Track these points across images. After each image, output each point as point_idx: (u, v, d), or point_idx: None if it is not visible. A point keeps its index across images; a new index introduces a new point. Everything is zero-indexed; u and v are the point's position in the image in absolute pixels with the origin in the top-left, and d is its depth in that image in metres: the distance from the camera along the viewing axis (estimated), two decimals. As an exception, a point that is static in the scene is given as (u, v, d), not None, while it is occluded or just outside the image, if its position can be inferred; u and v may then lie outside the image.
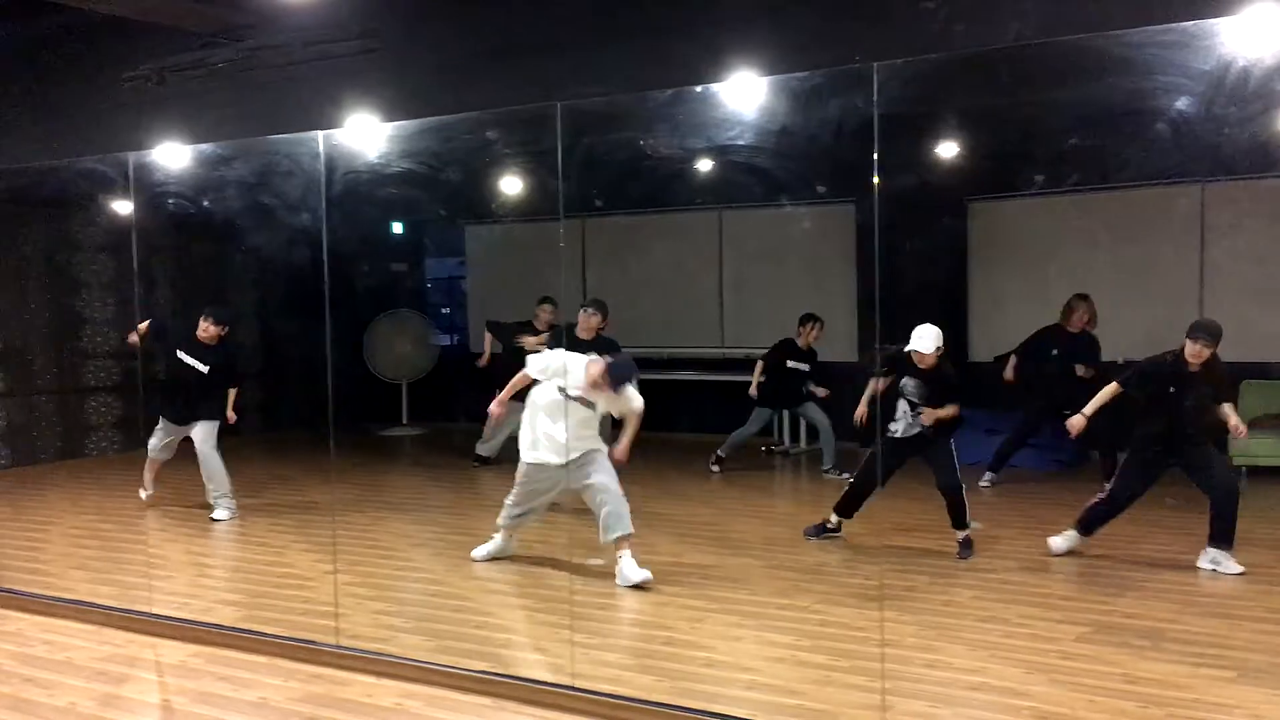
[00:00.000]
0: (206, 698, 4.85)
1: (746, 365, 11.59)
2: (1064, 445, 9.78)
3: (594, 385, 6.23)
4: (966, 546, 6.79)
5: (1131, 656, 4.96)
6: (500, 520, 6.81)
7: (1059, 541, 6.72)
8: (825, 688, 4.74)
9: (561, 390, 6.31)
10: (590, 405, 6.34)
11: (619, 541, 6.30)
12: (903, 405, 6.87)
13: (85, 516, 8.69)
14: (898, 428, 6.89)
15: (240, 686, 4.96)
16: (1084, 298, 8.79)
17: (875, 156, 3.95)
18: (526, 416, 6.54)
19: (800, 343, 9.83)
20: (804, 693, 4.70)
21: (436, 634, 5.55)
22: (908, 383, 6.83)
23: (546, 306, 9.87)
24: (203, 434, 8.20)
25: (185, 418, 8.27)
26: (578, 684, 4.72)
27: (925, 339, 6.66)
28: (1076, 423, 6.48)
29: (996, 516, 7.48)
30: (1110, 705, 4.42)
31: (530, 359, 6.60)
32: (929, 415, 6.73)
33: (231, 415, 8.40)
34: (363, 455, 11.44)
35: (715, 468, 9.97)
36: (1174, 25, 3.60)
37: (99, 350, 11.64)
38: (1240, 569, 6.24)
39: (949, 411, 6.74)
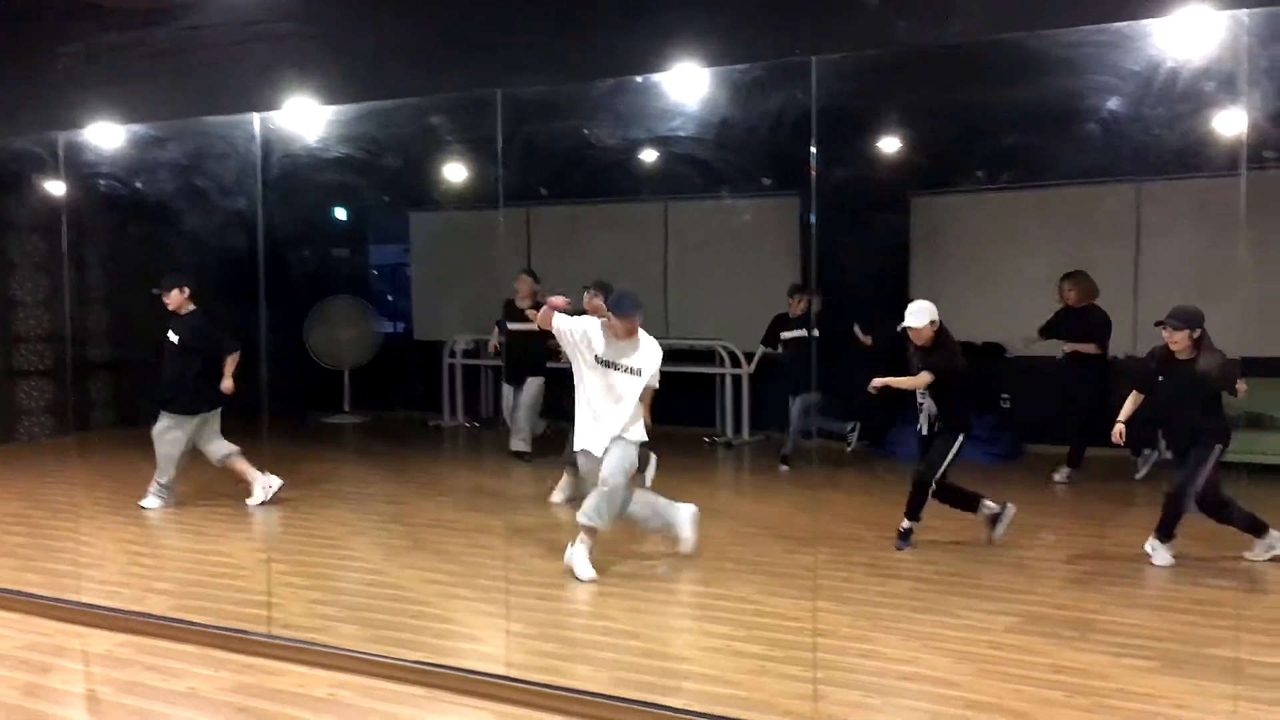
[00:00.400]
0: (133, 687, 4.77)
1: (691, 356, 11.64)
2: (999, 438, 9.97)
3: (626, 332, 6.18)
4: (905, 538, 6.85)
5: (1060, 647, 5.04)
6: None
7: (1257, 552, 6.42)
8: (760, 678, 4.76)
9: (599, 360, 6.22)
10: (634, 371, 6.24)
11: (586, 529, 6.23)
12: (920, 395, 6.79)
13: (15, 503, 8.51)
14: (921, 422, 6.82)
15: (169, 676, 4.88)
16: (1068, 275, 8.91)
17: (813, 149, 3.97)
18: (578, 398, 6.37)
19: (792, 313, 9.73)
20: (738, 683, 4.72)
21: (372, 624, 5.51)
22: (913, 361, 6.77)
23: (526, 279, 9.87)
24: (162, 424, 8.11)
25: (161, 399, 8.14)
26: (511, 673, 4.71)
27: (916, 314, 6.61)
28: (1117, 431, 6.49)
29: (934, 509, 7.53)
30: (1036, 695, 4.49)
31: (558, 318, 6.32)
32: (878, 382, 6.65)
33: (227, 384, 8.02)
34: (304, 443, 11.32)
35: (783, 467, 9.71)
36: (1107, 25, 3.66)
37: (31, 334, 11.40)
38: (1168, 562, 6.35)
39: (914, 381, 6.64)
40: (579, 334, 6.28)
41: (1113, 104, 6.42)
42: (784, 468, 9.58)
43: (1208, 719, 4.26)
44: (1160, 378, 6.36)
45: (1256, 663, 4.80)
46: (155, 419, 8.23)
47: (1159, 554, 6.40)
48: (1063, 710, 4.35)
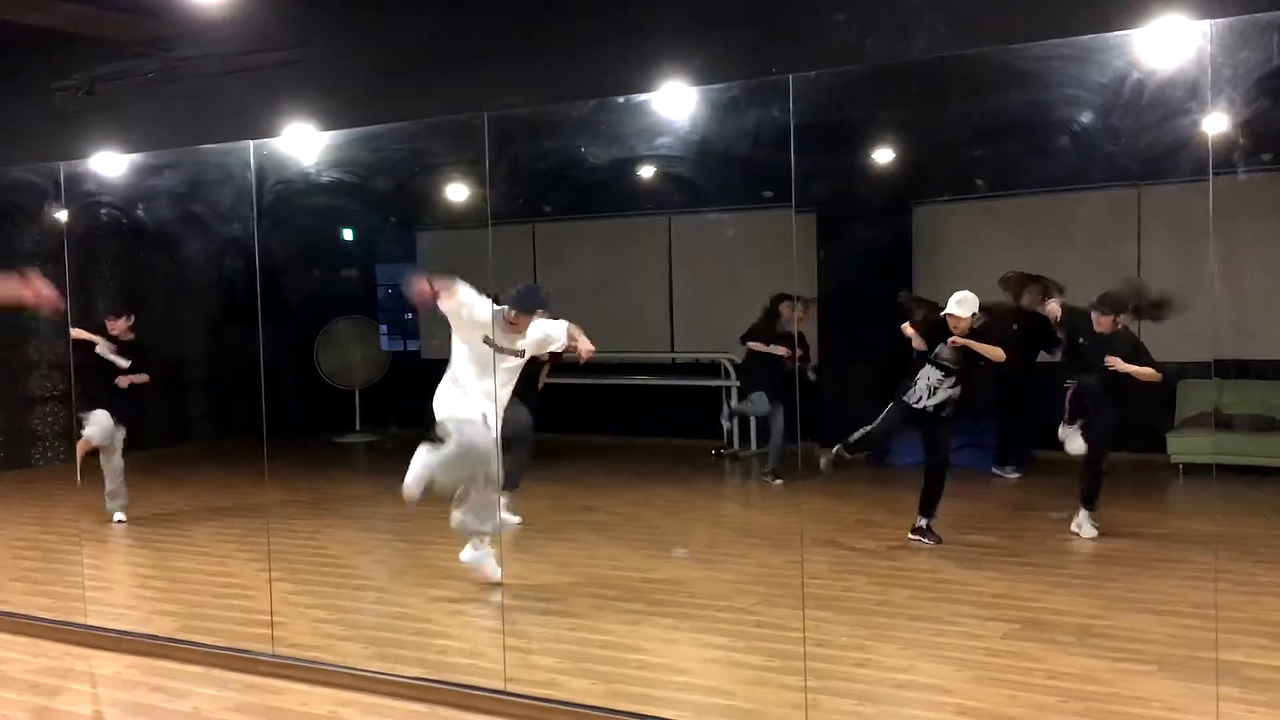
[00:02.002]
0: (139, 709, 4.84)
1: (696, 370, 11.71)
2: (1008, 446, 9.94)
3: (511, 324, 6.05)
4: (926, 533, 7.04)
5: (1055, 652, 5.06)
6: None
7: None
8: (756, 688, 4.81)
9: (488, 341, 6.07)
10: (519, 354, 6.14)
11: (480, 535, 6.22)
12: (928, 374, 7.01)
13: (29, 528, 8.62)
14: (916, 396, 7.04)
15: (174, 697, 4.95)
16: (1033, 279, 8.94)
17: (792, 163, 4.03)
18: (452, 369, 6.21)
19: (784, 323, 9.53)
20: (735, 693, 4.76)
21: (375, 641, 5.57)
22: (942, 349, 6.99)
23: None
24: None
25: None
26: (509, 688, 4.76)
27: (964, 303, 6.85)
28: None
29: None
30: (1030, 700, 4.52)
31: (464, 290, 6.13)
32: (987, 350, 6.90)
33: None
34: (315, 462, 11.41)
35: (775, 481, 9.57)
36: (1073, 39, 3.70)
37: (45, 360, 11.54)
38: (1094, 534, 6.97)
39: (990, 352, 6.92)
40: (475, 312, 6.08)
41: (1108, 113, 6.47)
42: (778, 481, 9.55)
43: (1199, 721, 4.28)
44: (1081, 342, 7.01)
45: (1251, 664, 4.81)
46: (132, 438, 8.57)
47: (1087, 527, 6.97)
48: (1056, 715, 4.38)
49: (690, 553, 6.59)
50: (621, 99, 5.44)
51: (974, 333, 6.92)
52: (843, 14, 4.41)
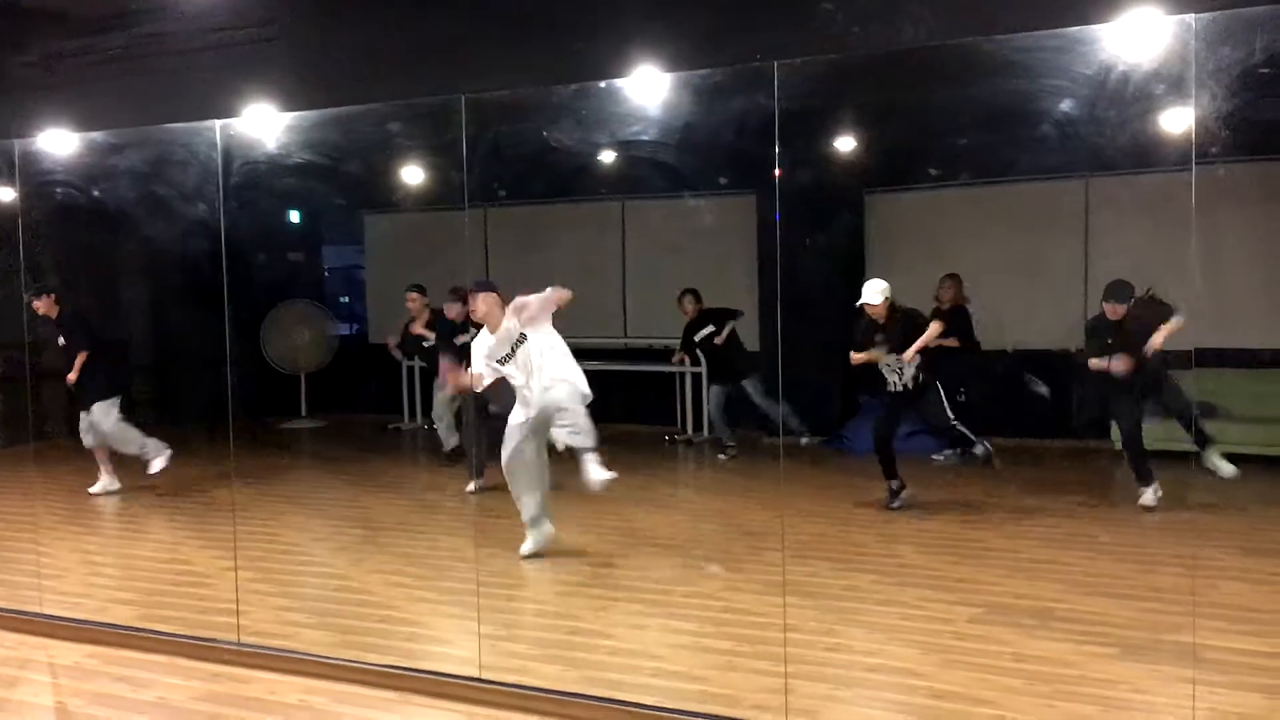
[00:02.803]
0: (103, 699, 4.75)
1: (649, 355, 11.70)
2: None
3: (487, 316, 6.32)
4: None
5: (1021, 636, 5.15)
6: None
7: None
8: (729, 673, 4.83)
9: (500, 362, 6.37)
10: (522, 340, 6.36)
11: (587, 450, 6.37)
12: (885, 367, 7.50)
13: (-31, 515, 8.40)
14: (890, 384, 7.54)
15: (138, 687, 4.86)
16: (948, 276, 9.28)
17: (776, 151, 4.03)
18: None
19: (687, 317, 10.27)
20: (708, 678, 4.78)
21: (341, 629, 5.51)
22: (878, 340, 7.43)
23: (416, 295, 9.92)
24: (98, 416, 8.49)
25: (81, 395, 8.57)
26: (484, 675, 4.73)
27: (871, 291, 7.29)
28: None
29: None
30: (999, 683, 4.59)
31: (476, 375, 6.49)
32: (909, 353, 7.29)
33: (73, 376, 8.48)
34: (261, 448, 11.23)
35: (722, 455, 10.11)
36: (1058, 30, 3.75)
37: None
38: (1156, 500, 7.25)
39: (931, 332, 7.31)
40: (485, 364, 6.43)
41: (1065, 105, 6.62)
42: (722, 456, 9.89)
43: (1166, 702, 4.38)
44: (1109, 340, 7.23)
45: (1213, 647, 4.93)
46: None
47: (1147, 496, 7.23)
48: (1026, 698, 4.45)
49: (722, 568, 6.61)
50: (599, 84, 5.40)
51: (894, 318, 7.34)
52: (828, 2, 4.43)
